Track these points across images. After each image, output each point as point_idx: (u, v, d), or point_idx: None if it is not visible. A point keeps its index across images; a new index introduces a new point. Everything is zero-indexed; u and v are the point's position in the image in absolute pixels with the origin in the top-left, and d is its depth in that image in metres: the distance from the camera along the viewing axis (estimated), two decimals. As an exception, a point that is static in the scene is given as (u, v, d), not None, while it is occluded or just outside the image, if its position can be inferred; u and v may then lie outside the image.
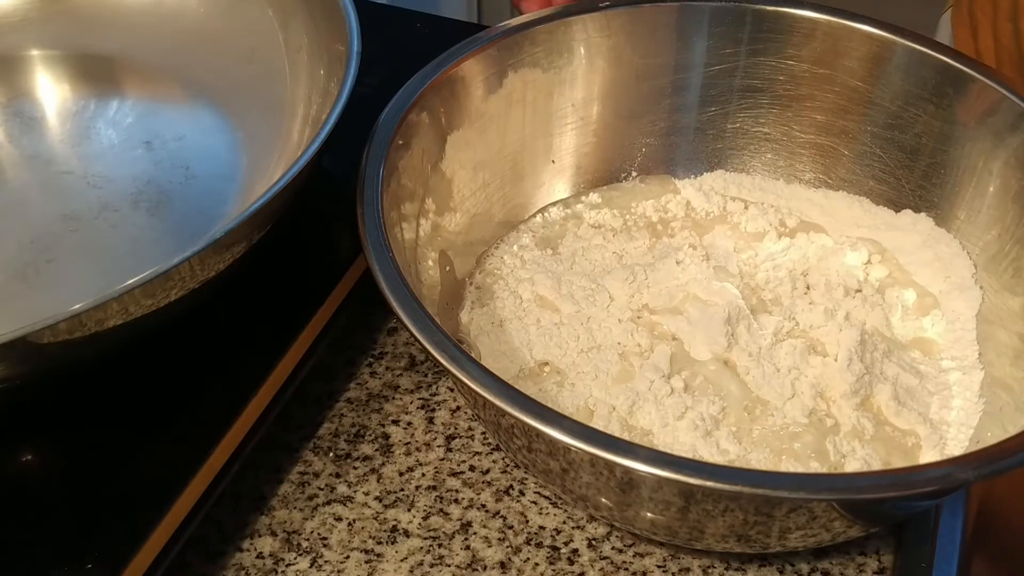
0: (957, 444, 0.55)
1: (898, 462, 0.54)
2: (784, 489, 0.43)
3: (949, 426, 0.56)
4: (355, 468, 0.58)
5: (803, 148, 0.68)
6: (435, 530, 0.55)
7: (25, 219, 0.63)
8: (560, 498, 0.56)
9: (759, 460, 0.53)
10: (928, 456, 0.54)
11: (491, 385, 0.45)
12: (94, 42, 0.75)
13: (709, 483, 0.42)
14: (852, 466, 0.53)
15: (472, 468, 0.58)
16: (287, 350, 0.56)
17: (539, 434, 0.44)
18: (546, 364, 0.58)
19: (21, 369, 0.48)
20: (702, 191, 0.68)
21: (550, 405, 0.45)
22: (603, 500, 0.49)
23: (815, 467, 0.53)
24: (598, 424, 0.54)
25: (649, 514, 0.48)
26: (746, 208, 0.67)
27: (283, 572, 0.53)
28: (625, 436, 0.54)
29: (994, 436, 0.53)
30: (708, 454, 0.53)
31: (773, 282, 0.62)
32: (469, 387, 0.45)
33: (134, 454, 0.52)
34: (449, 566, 0.54)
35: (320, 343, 0.59)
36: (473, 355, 0.57)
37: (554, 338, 0.58)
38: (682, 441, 0.53)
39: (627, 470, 0.43)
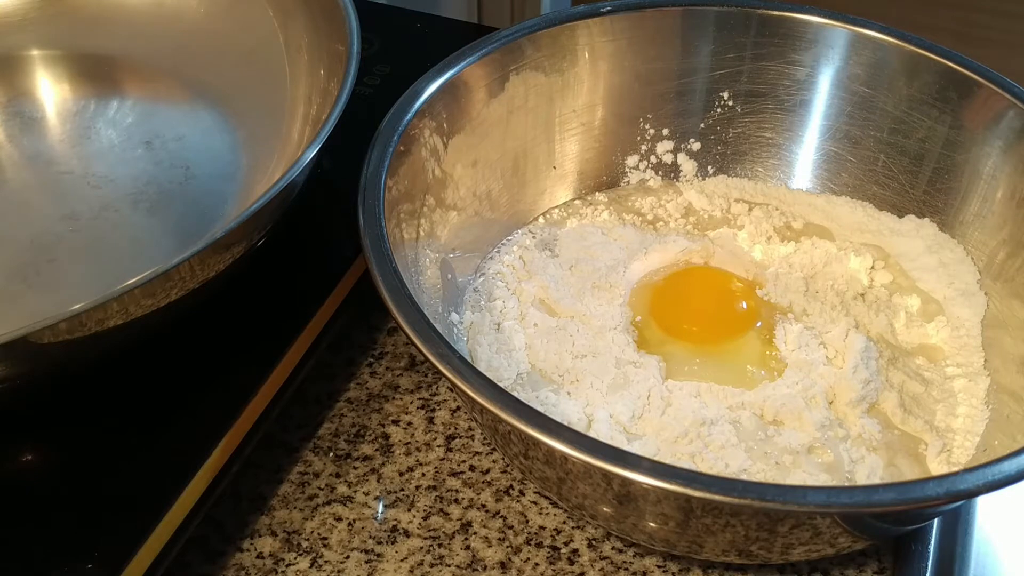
0: (963, 452, 0.54)
1: (905, 469, 0.53)
2: (794, 503, 0.42)
3: (955, 433, 0.55)
4: (355, 468, 0.58)
5: (806, 153, 0.68)
6: (435, 530, 0.55)
7: (25, 219, 0.63)
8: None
9: (764, 472, 0.52)
10: (934, 463, 0.54)
11: (488, 392, 0.45)
12: (94, 42, 0.75)
13: (717, 496, 0.42)
14: (861, 474, 0.53)
15: (472, 468, 0.58)
16: (287, 350, 0.56)
17: (536, 443, 0.44)
18: (544, 369, 0.57)
19: (21, 369, 0.48)
20: (704, 194, 0.68)
21: (548, 412, 0.45)
22: (601, 509, 0.49)
23: (825, 479, 0.52)
24: (597, 432, 0.53)
25: (652, 524, 0.48)
26: (750, 210, 0.67)
27: (283, 572, 0.53)
28: (625, 445, 0.53)
29: (1002, 444, 0.53)
30: (707, 465, 0.52)
31: (780, 287, 0.62)
32: (467, 394, 0.45)
33: (134, 454, 0.51)
34: (449, 566, 0.54)
35: (320, 343, 0.59)
36: (472, 359, 0.57)
37: (551, 343, 0.58)
38: (681, 451, 0.53)
39: (625, 481, 0.43)
